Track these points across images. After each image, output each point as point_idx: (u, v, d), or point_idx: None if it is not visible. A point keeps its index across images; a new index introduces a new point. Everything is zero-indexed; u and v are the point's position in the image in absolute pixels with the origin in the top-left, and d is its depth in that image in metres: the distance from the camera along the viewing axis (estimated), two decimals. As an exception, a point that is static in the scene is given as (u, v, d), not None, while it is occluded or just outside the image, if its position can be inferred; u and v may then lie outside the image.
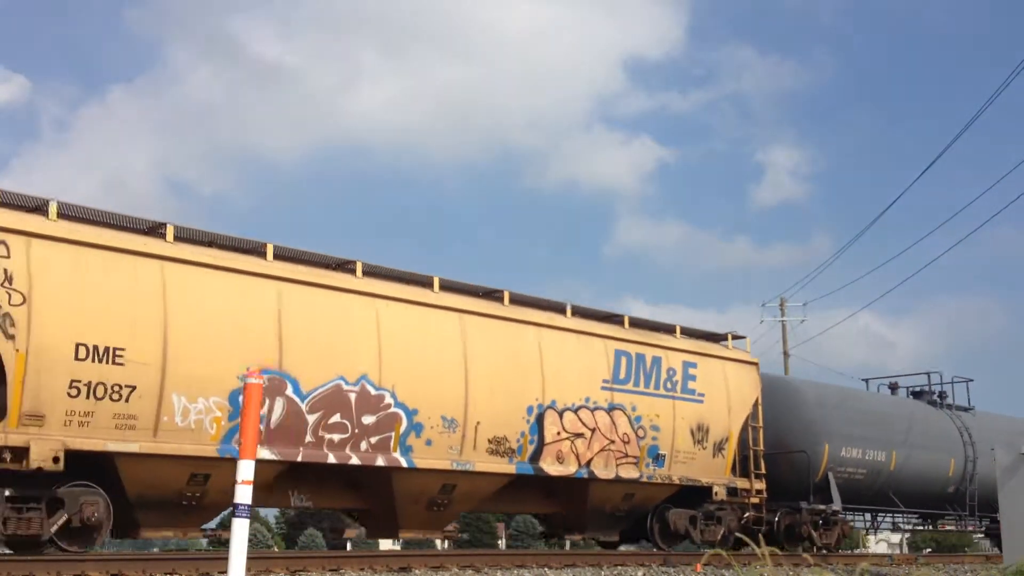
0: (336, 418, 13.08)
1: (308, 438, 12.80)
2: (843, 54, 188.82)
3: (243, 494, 6.15)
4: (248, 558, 6.20)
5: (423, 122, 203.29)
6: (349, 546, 52.69)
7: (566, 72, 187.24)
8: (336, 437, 13.09)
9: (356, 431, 13.28)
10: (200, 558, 11.34)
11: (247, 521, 6.21)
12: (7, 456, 10.62)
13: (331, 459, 13.02)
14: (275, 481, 13.03)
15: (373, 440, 13.41)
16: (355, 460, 13.23)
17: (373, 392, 13.44)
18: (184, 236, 12.52)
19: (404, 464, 13.66)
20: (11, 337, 10.67)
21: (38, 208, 11.55)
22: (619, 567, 13.76)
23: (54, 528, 11.11)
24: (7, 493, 10.77)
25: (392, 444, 13.58)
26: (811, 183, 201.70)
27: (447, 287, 14.89)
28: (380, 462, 13.45)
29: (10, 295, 10.70)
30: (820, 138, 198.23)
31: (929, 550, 25.78)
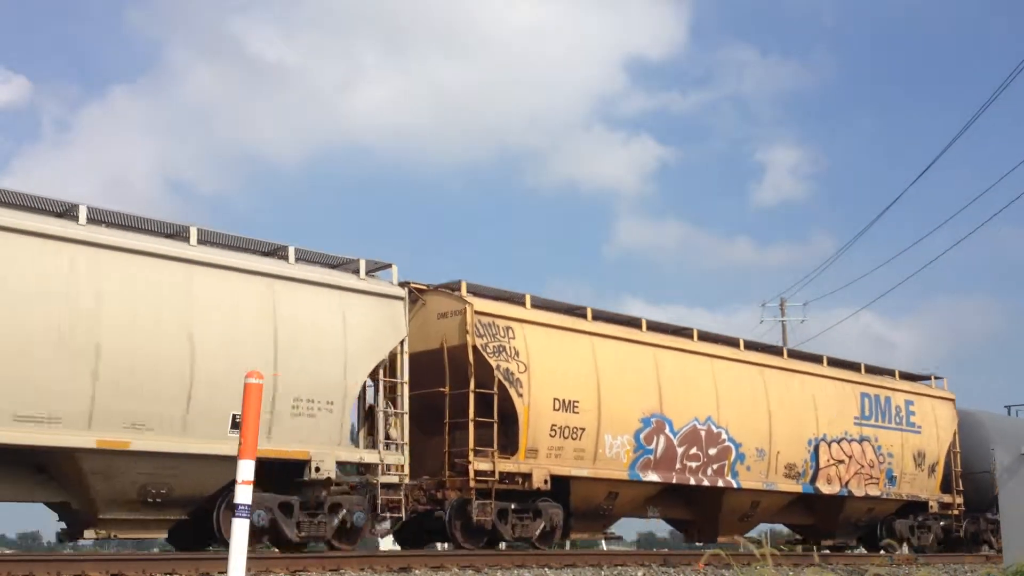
0: (693, 450, 17.76)
1: (677, 465, 17.40)
2: (844, 54, 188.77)
3: (243, 494, 6.15)
4: (248, 558, 6.20)
5: (423, 122, 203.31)
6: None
7: (567, 72, 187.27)
8: (693, 464, 17.68)
9: (704, 460, 17.87)
10: (200, 558, 11.33)
11: (247, 521, 6.20)
12: (519, 479, 15.20)
13: (691, 481, 17.64)
14: (645, 498, 17.69)
15: (714, 467, 17.97)
16: (706, 482, 17.87)
17: (715, 430, 18.06)
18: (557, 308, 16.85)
19: (734, 485, 18.25)
20: (520, 395, 15.33)
21: (450, 286, 15.76)
22: (619, 567, 13.76)
23: (536, 532, 15.57)
24: (512, 507, 15.32)
25: (725, 470, 18.18)
26: (812, 182, 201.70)
27: (750, 346, 19.91)
28: (720, 484, 18.10)
29: (519, 366, 15.51)
30: (821, 138, 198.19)
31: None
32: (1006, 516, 13.42)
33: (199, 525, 12.83)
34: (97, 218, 12.26)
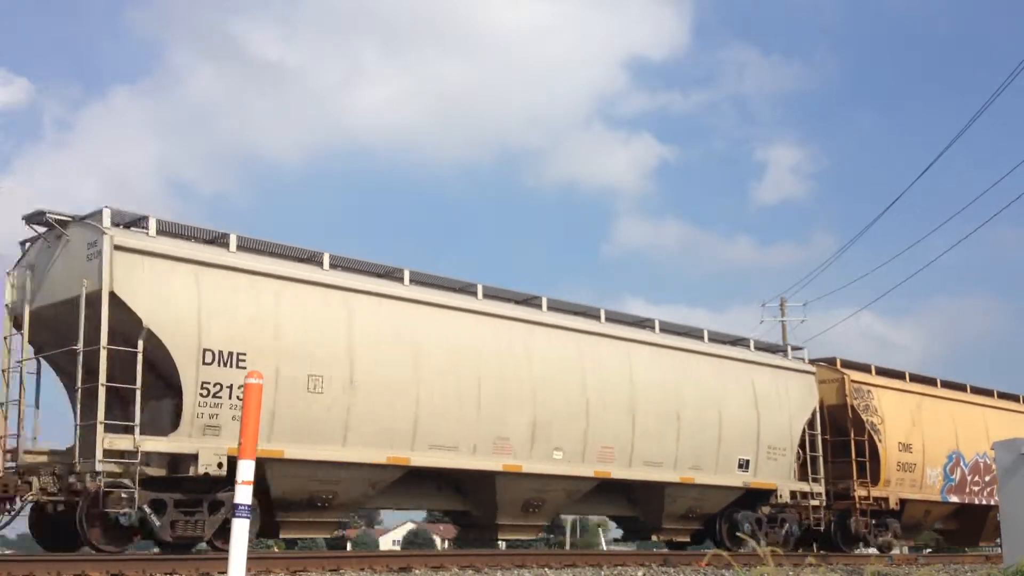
0: (975, 477, 23.54)
1: (967, 489, 23.23)
2: (845, 54, 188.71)
3: (243, 494, 6.14)
4: (248, 558, 6.19)
5: (424, 121, 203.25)
6: (349, 546, 52.66)
7: (568, 72, 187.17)
8: (976, 488, 23.44)
9: (981, 484, 23.57)
10: (200, 558, 11.33)
11: (247, 521, 6.19)
12: (880, 502, 20.96)
13: (976, 501, 23.58)
14: (943, 516, 23.78)
15: (987, 490, 23.30)
16: (982, 501, 23.62)
17: (985, 462, 23.20)
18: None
19: (992, 503, 22.97)
20: (880, 441, 21.06)
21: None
22: (619, 567, 13.75)
23: (887, 539, 21.55)
24: (873, 522, 20.94)
25: (990, 492, 23.03)
26: (813, 181, 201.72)
27: (976, 390, 24.99)
28: (986, 502, 23.57)
29: (878, 419, 21.27)
30: (822, 138, 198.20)
31: (929, 550, 25.81)
32: (1006, 516, 13.42)
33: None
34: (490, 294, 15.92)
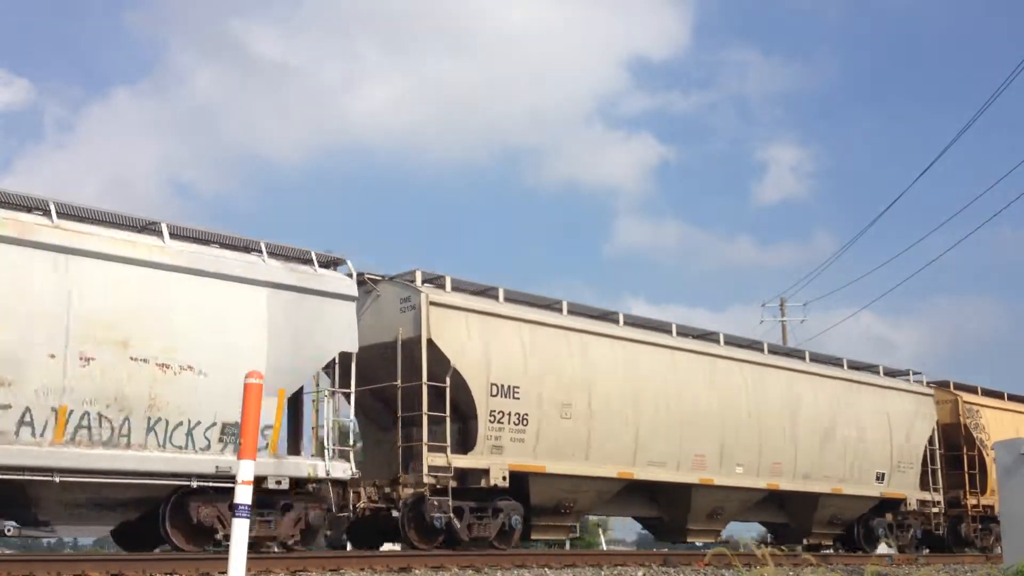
0: None
1: None
2: (846, 54, 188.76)
3: (243, 494, 6.15)
4: (248, 558, 6.20)
5: (425, 121, 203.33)
6: (349, 546, 52.53)
7: (569, 71, 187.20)
8: None
9: None
10: (200, 558, 11.33)
11: (247, 521, 6.20)
12: (988, 511, 23.25)
13: None
14: None
15: None
16: None
17: None
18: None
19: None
20: (988, 454, 22.41)
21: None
22: (619, 567, 13.75)
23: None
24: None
25: None
26: (813, 180, 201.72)
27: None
28: None
29: (985, 435, 23.67)
30: (822, 138, 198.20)
31: (928, 550, 25.81)
32: (1006, 516, 13.43)
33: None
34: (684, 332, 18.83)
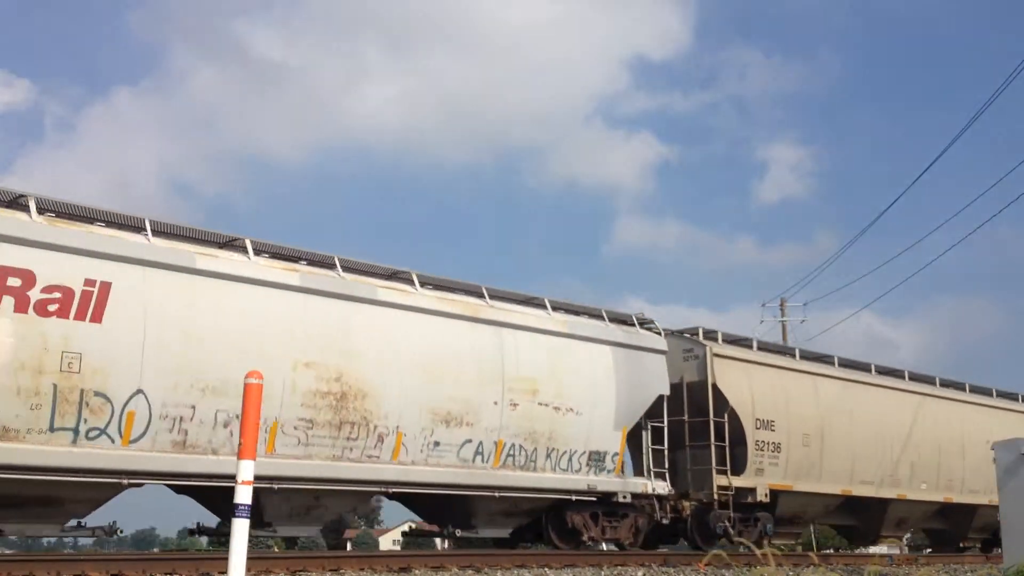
0: None
1: None
2: (847, 55, 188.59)
3: (243, 494, 6.15)
4: (248, 558, 6.20)
5: (425, 121, 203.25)
6: (349, 546, 52.65)
7: (570, 71, 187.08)
8: None
9: None
10: (200, 558, 11.34)
11: (247, 521, 6.20)
12: None
13: None
14: None
15: None
16: None
17: None
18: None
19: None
20: None
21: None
22: (619, 567, 13.75)
23: None
24: None
25: None
26: (814, 179, 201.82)
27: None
28: None
29: None
30: (823, 138, 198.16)
31: (929, 550, 25.85)
32: (1006, 516, 13.42)
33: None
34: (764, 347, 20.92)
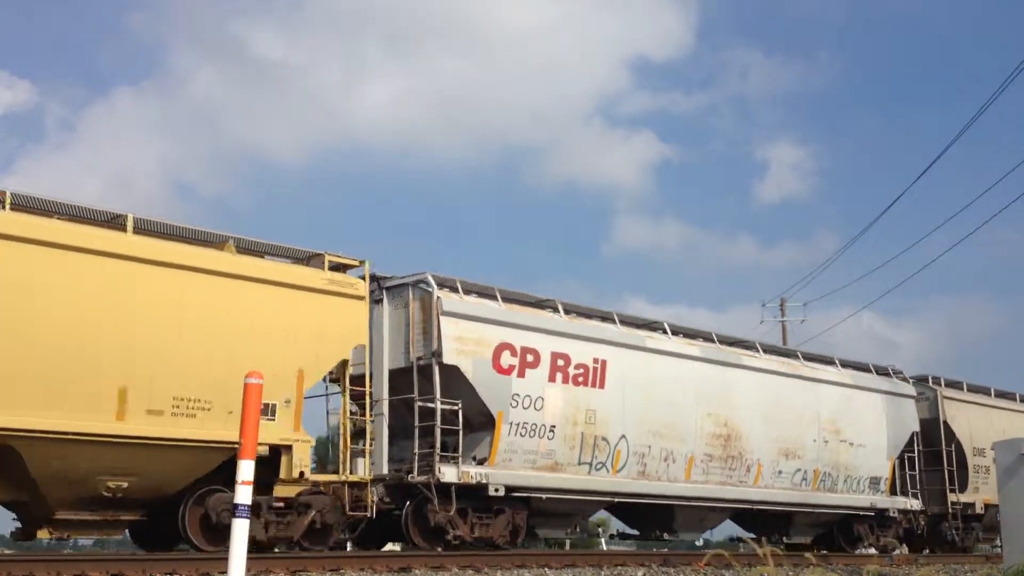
0: None
1: None
2: (848, 55, 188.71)
3: (243, 494, 6.14)
4: (248, 558, 6.19)
5: (426, 120, 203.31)
6: (349, 546, 52.45)
7: (571, 71, 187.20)
8: None
9: None
10: (200, 558, 11.33)
11: (247, 521, 6.19)
12: None
13: None
14: None
15: None
16: None
17: None
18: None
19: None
20: None
21: None
22: (619, 567, 13.74)
23: None
24: None
25: None
26: (815, 178, 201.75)
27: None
28: None
29: None
30: (824, 139, 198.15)
31: (928, 550, 25.83)
32: (1006, 516, 13.41)
33: None
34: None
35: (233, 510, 6.17)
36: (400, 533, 15.26)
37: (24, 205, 11.85)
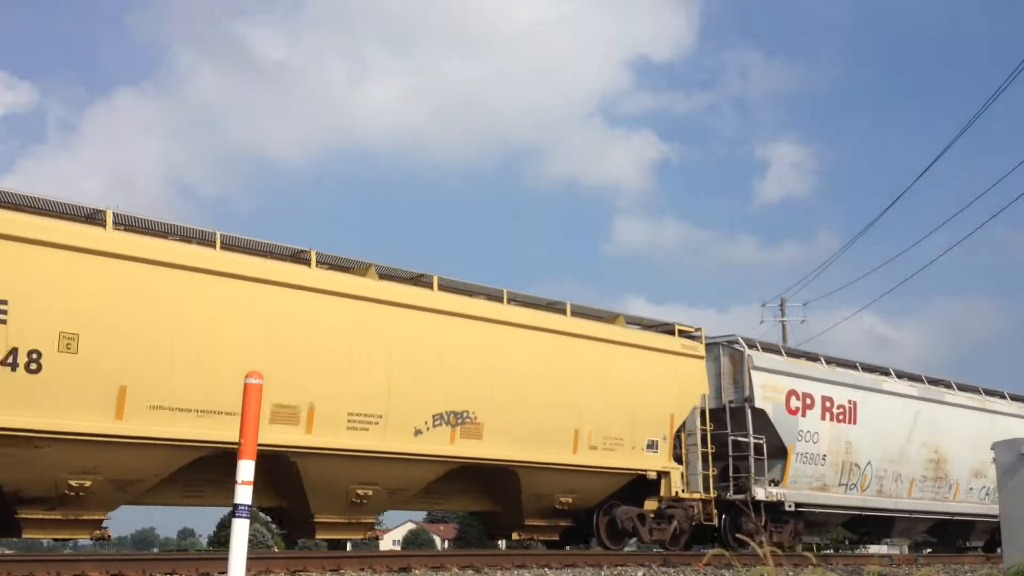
0: None
1: None
2: (849, 56, 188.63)
3: (243, 494, 6.14)
4: (248, 558, 6.19)
5: (427, 120, 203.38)
6: (349, 546, 52.47)
7: (572, 70, 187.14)
8: None
9: None
10: (200, 558, 11.33)
11: (247, 521, 6.19)
12: None
13: None
14: None
15: None
16: None
17: None
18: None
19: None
20: None
21: None
22: (619, 567, 13.75)
23: None
24: None
25: None
26: (816, 177, 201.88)
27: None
28: None
29: None
30: (824, 138, 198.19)
31: (929, 550, 25.88)
32: (1006, 516, 13.43)
33: None
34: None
35: (233, 510, 6.17)
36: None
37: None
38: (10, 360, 10.57)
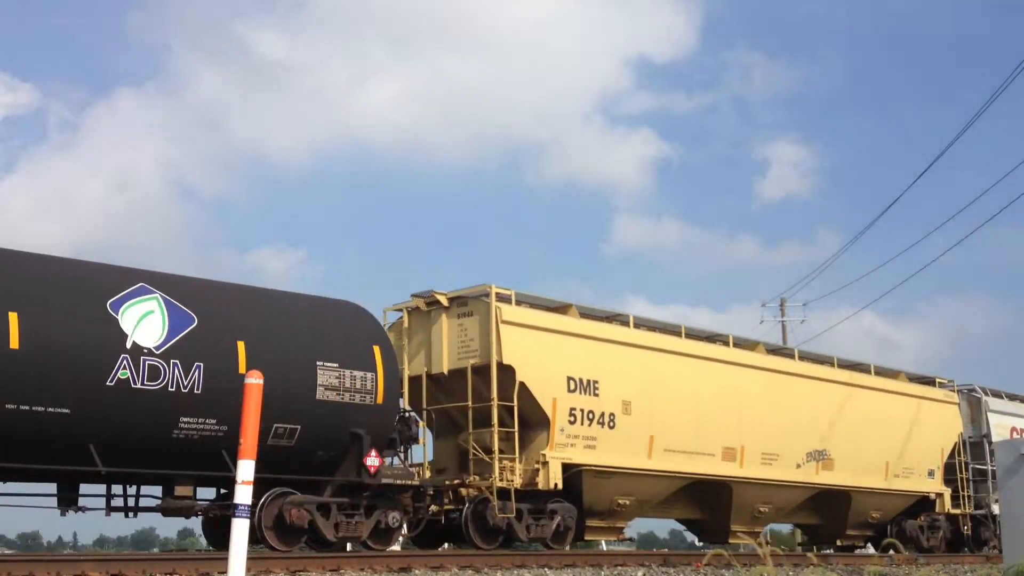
0: None
1: None
2: (849, 56, 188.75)
3: (243, 494, 6.13)
4: (248, 558, 6.19)
5: (428, 120, 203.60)
6: (349, 546, 52.40)
7: (573, 70, 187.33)
8: None
9: None
10: (200, 558, 11.32)
11: (247, 521, 6.19)
12: None
13: None
14: None
15: None
16: None
17: None
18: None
19: None
20: None
21: None
22: (619, 567, 13.73)
23: None
24: None
25: None
26: (816, 176, 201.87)
27: None
28: None
29: None
30: (825, 139, 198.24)
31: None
32: (1006, 516, 13.41)
33: None
34: None
35: (233, 510, 6.17)
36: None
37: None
38: (603, 420, 16.17)
